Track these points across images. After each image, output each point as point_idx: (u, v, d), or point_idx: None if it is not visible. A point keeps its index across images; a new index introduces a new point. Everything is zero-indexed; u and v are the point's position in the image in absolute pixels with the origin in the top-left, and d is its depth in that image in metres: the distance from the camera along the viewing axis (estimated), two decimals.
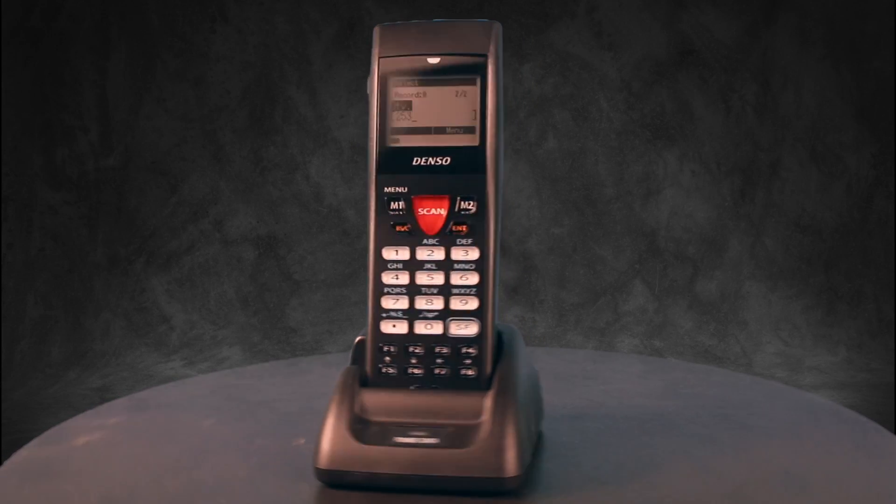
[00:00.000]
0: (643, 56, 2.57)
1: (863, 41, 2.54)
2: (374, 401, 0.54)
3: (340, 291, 2.54)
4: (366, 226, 0.55)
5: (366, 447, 0.52)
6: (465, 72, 0.55)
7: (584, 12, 2.57)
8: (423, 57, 0.55)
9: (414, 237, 0.55)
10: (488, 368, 0.55)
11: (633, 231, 2.56)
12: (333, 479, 0.52)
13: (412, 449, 0.52)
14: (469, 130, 0.55)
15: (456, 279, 0.55)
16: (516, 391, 0.54)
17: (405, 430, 0.53)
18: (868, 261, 2.53)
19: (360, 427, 0.53)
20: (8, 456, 0.59)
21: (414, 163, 0.54)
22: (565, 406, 0.66)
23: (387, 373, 0.55)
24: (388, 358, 0.55)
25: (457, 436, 0.52)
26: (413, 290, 0.55)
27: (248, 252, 2.55)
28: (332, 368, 0.80)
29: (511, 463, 0.51)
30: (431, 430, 0.53)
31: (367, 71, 0.56)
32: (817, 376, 2.28)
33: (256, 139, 2.57)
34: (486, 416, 0.52)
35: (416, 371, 0.55)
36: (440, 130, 0.55)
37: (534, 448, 0.57)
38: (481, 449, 0.51)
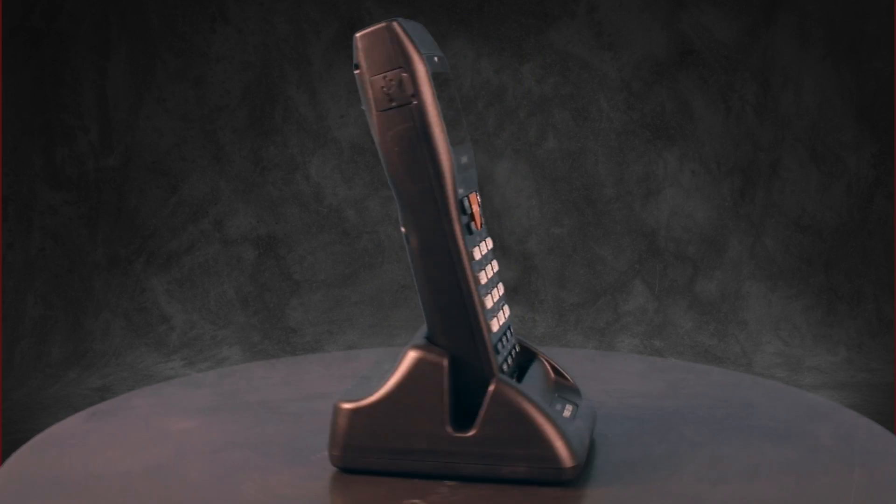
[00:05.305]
0: (643, 56, 2.57)
1: (863, 41, 2.54)
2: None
3: (340, 291, 2.54)
4: (435, 229, 0.54)
5: (574, 429, 0.55)
6: (446, 70, 0.56)
7: (584, 12, 2.57)
8: (432, 56, 0.54)
9: (476, 235, 0.56)
10: None
11: (633, 231, 2.56)
12: (577, 472, 0.53)
13: (582, 414, 0.58)
14: (462, 127, 0.57)
15: (495, 268, 0.58)
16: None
17: (552, 408, 0.57)
18: (868, 261, 2.53)
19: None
20: (8, 456, 0.59)
21: (462, 161, 0.55)
22: None
23: (504, 370, 0.56)
24: (499, 356, 0.56)
25: (569, 394, 0.60)
26: (488, 287, 0.56)
27: (248, 252, 2.55)
28: (331, 368, 0.80)
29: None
30: (558, 400, 0.59)
31: None
32: (817, 376, 2.28)
33: (256, 139, 2.57)
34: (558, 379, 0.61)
35: (509, 361, 0.57)
36: (454, 129, 0.55)
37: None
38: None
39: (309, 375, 0.78)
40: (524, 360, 0.60)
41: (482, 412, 0.53)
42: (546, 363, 0.60)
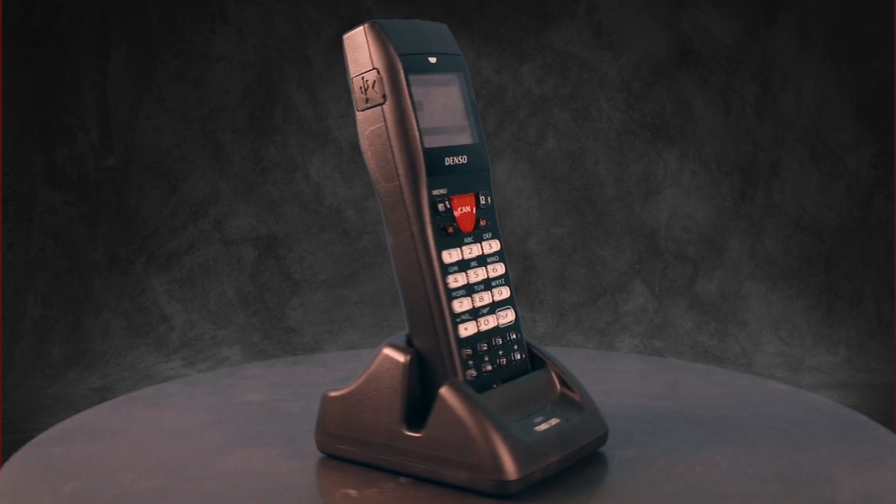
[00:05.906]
0: (643, 56, 2.57)
1: (863, 41, 2.54)
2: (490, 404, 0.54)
3: (340, 291, 2.54)
4: (403, 229, 0.54)
5: (533, 442, 0.53)
6: (451, 70, 0.56)
7: (584, 12, 2.57)
8: (423, 56, 0.54)
9: (457, 237, 0.55)
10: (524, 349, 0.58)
11: (633, 231, 2.56)
12: (523, 486, 0.52)
13: (562, 430, 0.55)
14: (463, 128, 0.56)
15: (490, 273, 0.57)
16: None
17: (529, 420, 0.55)
18: (868, 261, 2.53)
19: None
20: (8, 456, 0.59)
21: (447, 163, 0.55)
22: None
23: (471, 376, 0.55)
24: (471, 361, 0.55)
25: (567, 408, 0.57)
26: (469, 290, 0.56)
27: (248, 252, 2.55)
28: (331, 368, 0.80)
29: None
30: (544, 412, 0.56)
31: None
32: (817, 376, 2.28)
33: (256, 139, 2.57)
34: (565, 388, 0.58)
35: (488, 367, 0.56)
36: (448, 130, 0.55)
37: None
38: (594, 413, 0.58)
39: (309, 375, 0.78)
40: (530, 367, 0.59)
41: (430, 415, 0.53)
42: (553, 374, 0.59)
